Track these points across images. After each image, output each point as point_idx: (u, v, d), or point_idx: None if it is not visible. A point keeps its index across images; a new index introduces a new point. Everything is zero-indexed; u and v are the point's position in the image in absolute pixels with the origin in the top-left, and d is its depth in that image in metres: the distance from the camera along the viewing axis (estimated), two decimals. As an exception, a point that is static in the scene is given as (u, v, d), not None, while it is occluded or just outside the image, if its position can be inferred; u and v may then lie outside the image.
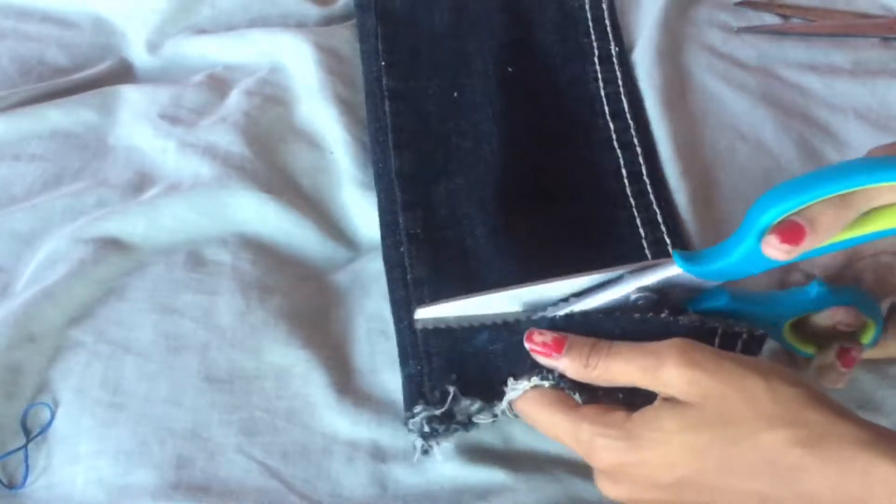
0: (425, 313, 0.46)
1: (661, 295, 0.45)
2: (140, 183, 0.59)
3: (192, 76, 0.67)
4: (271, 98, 0.64)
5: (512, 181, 0.58)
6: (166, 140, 0.61)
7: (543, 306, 0.45)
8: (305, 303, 0.55)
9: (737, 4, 0.71)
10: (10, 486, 0.47)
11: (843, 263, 0.47)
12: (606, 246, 0.56)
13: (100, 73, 0.67)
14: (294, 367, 0.51)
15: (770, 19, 0.71)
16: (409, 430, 0.47)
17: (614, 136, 0.61)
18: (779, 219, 0.39)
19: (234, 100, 0.64)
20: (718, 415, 0.37)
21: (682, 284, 0.44)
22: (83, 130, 0.63)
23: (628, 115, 0.63)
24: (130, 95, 0.64)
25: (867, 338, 0.47)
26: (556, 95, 0.64)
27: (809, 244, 0.39)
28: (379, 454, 0.49)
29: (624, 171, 0.59)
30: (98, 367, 0.51)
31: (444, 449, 0.47)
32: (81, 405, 0.49)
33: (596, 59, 0.66)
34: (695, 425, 0.38)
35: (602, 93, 0.64)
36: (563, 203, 0.58)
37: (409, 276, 0.54)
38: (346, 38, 0.69)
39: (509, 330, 0.46)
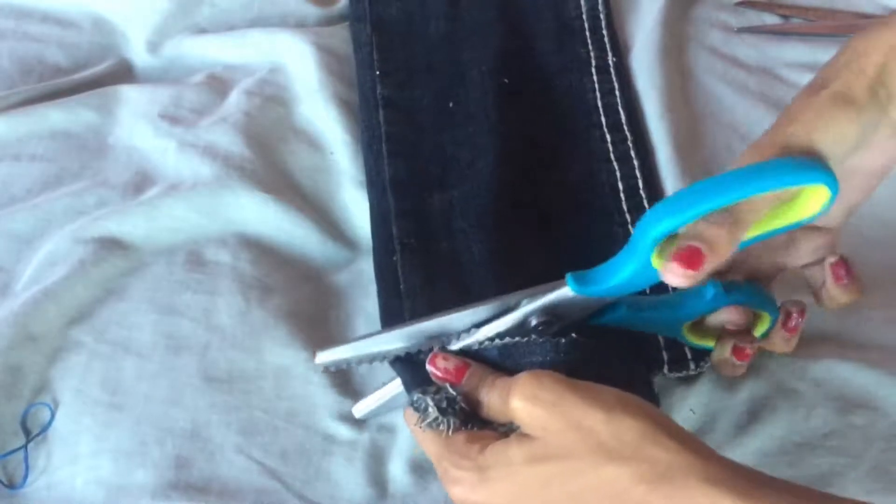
0: (325, 357, 0.46)
1: (559, 317, 0.45)
2: (140, 183, 0.59)
3: (192, 76, 0.67)
4: (271, 98, 0.64)
5: (507, 196, 0.57)
6: (166, 140, 0.61)
7: (448, 338, 0.45)
8: (305, 303, 0.55)
9: (737, 4, 0.71)
10: (10, 485, 0.48)
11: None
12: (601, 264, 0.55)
13: (100, 73, 0.67)
14: (294, 367, 0.51)
15: (770, 19, 0.71)
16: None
17: (611, 149, 0.61)
18: (669, 233, 0.39)
19: (234, 100, 0.64)
20: (560, 448, 0.38)
21: (578, 304, 0.44)
22: (83, 130, 0.63)
23: (626, 127, 0.62)
24: (130, 95, 0.64)
25: (760, 330, 0.48)
26: (552, 106, 0.64)
27: (708, 267, 0.38)
28: (378, 454, 0.49)
29: (620, 185, 0.59)
30: (98, 367, 0.51)
31: None
32: (81, 405, 0.49)
33: (593, 70, 0.65)
34: (539, 458, 0.38)
35: (599, 104, 0.63)
36: (559, 218, 0.57)
37: (402, 287, 0.53)
38: (345, 39, 0.69)
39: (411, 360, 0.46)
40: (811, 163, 0.39)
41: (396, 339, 0.45)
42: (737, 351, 0.47)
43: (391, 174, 0.58)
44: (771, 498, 0.35)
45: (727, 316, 0.47)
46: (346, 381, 0.52)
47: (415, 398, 0.43)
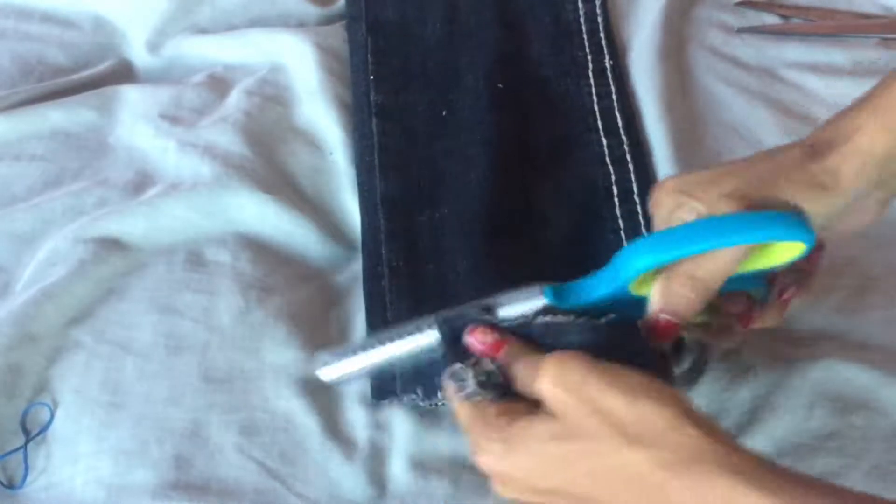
0: (331, 372, 0.45)
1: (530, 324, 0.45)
2: (140, 183, 0.59)
3: (192, 76, 0.67)
4: (271, 98, 0.64)
5: (499, 205, 0.57)
6: (166, 140, 0.61)
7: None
8: (305, 303, 0.55)
9: (737, 4, 0.71)
10: (10, 485, 0.48)
11: None
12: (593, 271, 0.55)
13: (100, 73, 0.67)
14: (294, 367, 0.51)
15: (770, 19, 0.71)
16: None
17: (607, 153, 0.60)
18: (648, 270, 0.41)
19: (234, 99, 0.64)
20: (581, 429, 0.38)
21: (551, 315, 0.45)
22: (83, 130, 0.63)
23: (622, 132, 0.61)
24: (130, 95, 0.64)
25: (756, 299, 0.48)
26: (548, 110, 0.63)
27: (682, 329, 0.43)
28: (378, 454, 0.49)
29: (615, 189, 0.59)
30: (98, 367, 0.51)
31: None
32: (81, 405, 0.49)
33: (590, 73, 0.65)
34: (563, 436, 0.38)
35: (596, 108, 0.63)
36: (553, 222, 0.57)
37: (388, 314, 0.53)
38: (346, 39, 0.69)
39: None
40: (795, 219, 0.41)
41: (395, 351, 0.45)
42: (743, 318, 0.47)
43: (382, 190, 0.58)
44: (792, 491, 0.35)
45: (734, 309, 0.47)
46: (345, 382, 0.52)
47: (456, 369, 0.43)
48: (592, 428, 0.38)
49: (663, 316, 0.42)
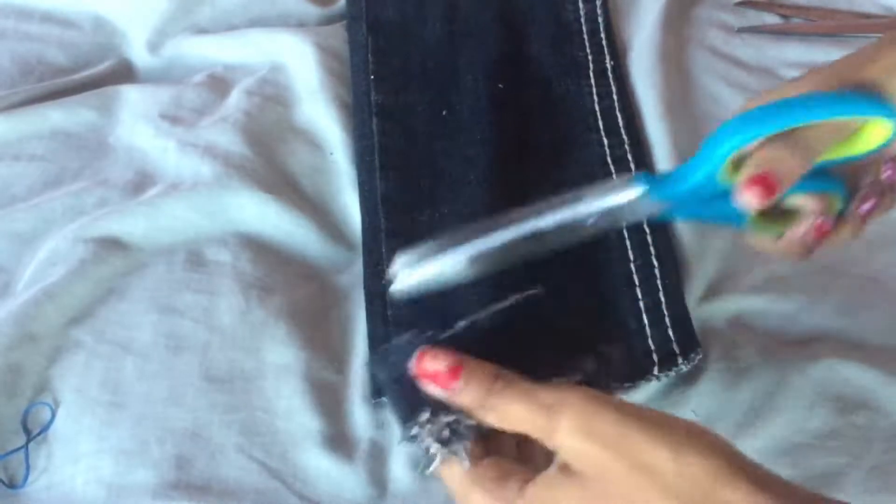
0: (402, 282, 0.41)
1: (615, 218, 0.43)
2: (140, 183, 0.59)
3: (193, 76, 0.67)
4: (272, 98, 0.64)
5: (499, 206, 0.56)
6: (167, 140, 0.61)
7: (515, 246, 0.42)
8: (305, 303, 0.55)
9: (737, 4, 0.71)
10: (11, 485, 0.48)
11: None
12: (594, 270, 0.55)
13: (100, 73, 0.67)
14: (294, 366, 0.51)
15: (770, 19, 0.71)
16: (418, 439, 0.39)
17: (608, 153, 0.60)
18: (738, 148, 0.40)
19: (235, 99, 0.64)
20: (621, 492, 0.34)
21: (642, 208, 0.43)
22: (83, 130, 0.63)
23: (623, 132, 0.61)
24: (131, 95, 0.64)
25: (835, 209, 0.47)
26: (548, 111, 0.63)
27: (782, 191, 0.40)
28: (378, 454, 0.49)
29: None
30: (98, 367, 0.51)
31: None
32: (82, 405, 0.49)
33: (591, 74, 0.65)
34: (596, 499, 0.34)
35: (597, 108, 0.63)
36: None
37: (388, 313, 0.53)
38: (346, 39, 0.69)
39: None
40: (883, 99, 0.41)
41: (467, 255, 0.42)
42: (819, 228, 0.45)
43: (382, 190, 0.58)
44: None
45: (808, 205, 0.45)
46: (345, 382, 0.52)
47: (410, 434, 0.37)
48: (635, 489, 0.33)
49: (765, 169, 0.39)
